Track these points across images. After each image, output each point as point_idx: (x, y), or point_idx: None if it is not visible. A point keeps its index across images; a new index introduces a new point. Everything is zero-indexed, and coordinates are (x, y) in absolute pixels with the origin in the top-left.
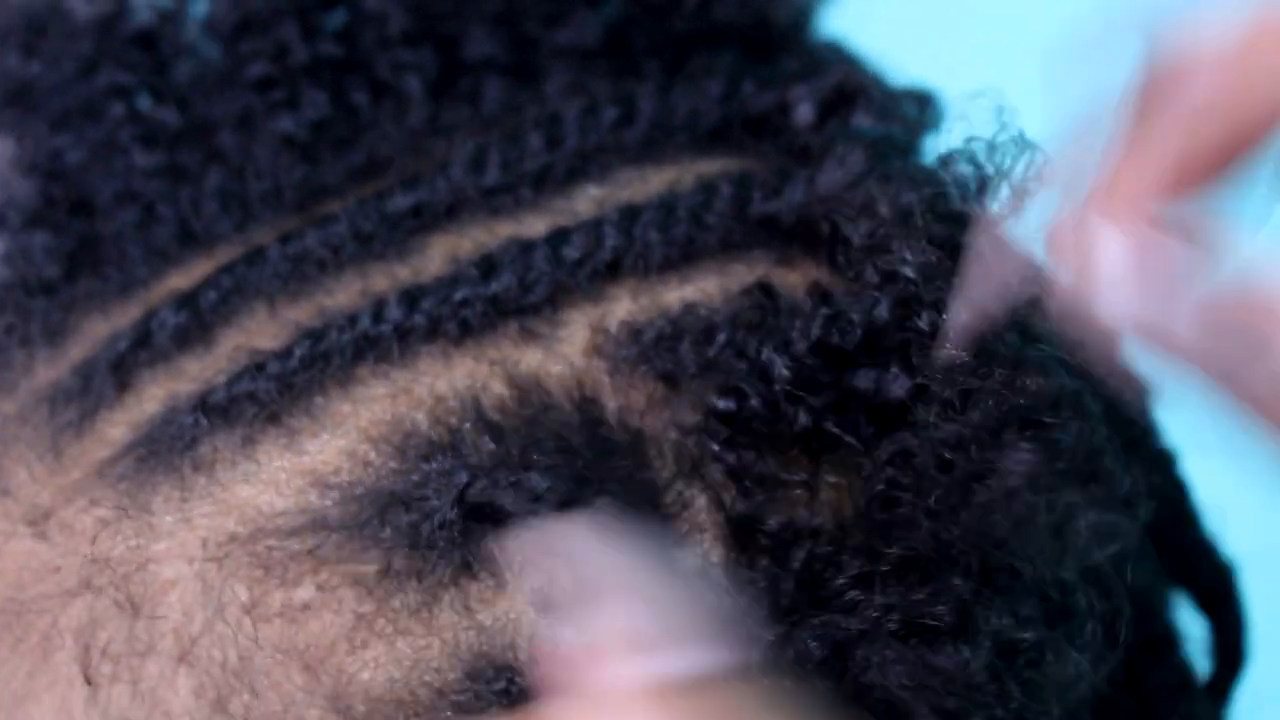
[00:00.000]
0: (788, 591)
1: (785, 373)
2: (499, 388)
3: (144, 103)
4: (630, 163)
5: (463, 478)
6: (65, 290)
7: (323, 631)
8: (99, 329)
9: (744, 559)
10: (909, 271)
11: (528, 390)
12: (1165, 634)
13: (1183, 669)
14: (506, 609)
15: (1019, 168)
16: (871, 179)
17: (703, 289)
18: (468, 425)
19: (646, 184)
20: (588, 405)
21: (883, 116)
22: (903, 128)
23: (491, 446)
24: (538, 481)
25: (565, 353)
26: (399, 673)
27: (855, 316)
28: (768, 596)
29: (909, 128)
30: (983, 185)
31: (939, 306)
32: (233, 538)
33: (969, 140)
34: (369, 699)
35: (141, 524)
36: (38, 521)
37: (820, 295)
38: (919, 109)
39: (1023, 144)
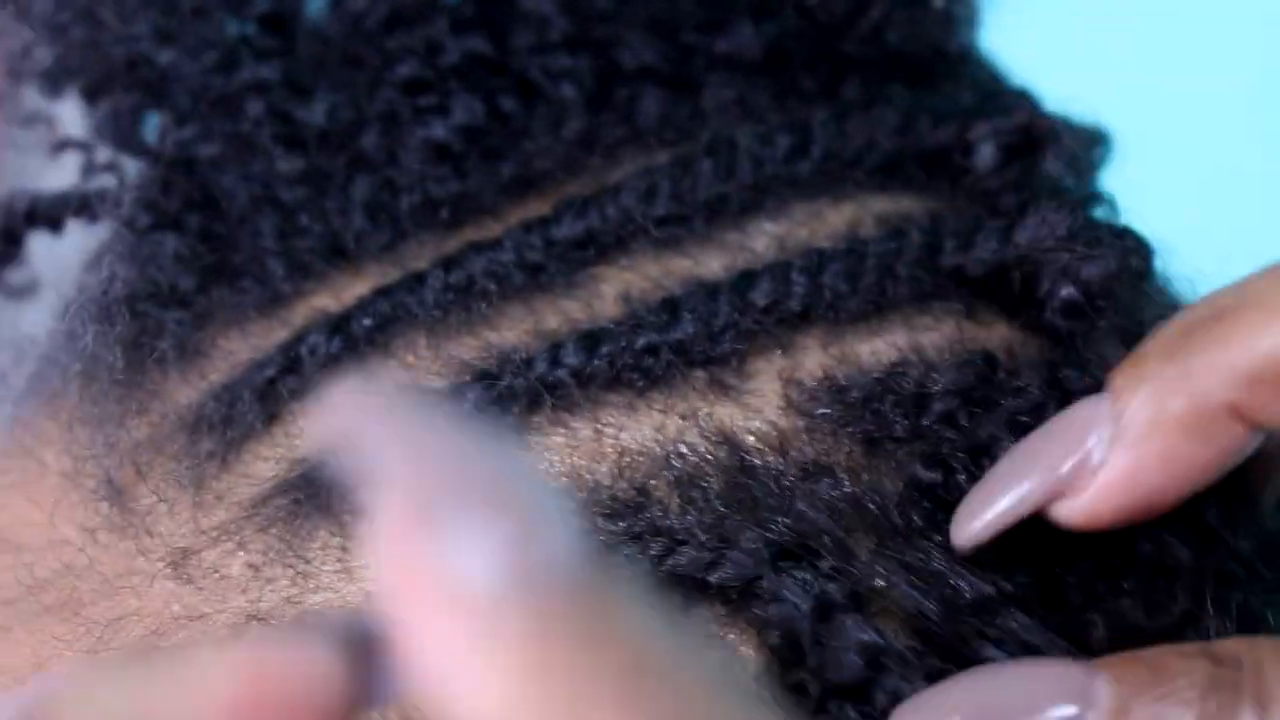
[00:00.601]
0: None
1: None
2: (697, 441)
3: (286, 99)
4: (805, 197)
5: (654, 550)
6: (200, 303)
7: None
8: (238, 349)
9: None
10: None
11: (730, 448)
12: None
13: None
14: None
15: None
16: (1078, 243)
17: (893, 342)
18: (656, 483)
19: (824, 222)
20: (794, 467)
21: (1074, 163)
22: (1090, 172)
23: (681, 505)
24: (741, 556)
25: (758, 407)
26: None
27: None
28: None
29: (1093, 174)
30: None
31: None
32: None
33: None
34: None
35: (297, 574)
36: (178, 563)
37: (1047, 371)
38: (1095, 147)
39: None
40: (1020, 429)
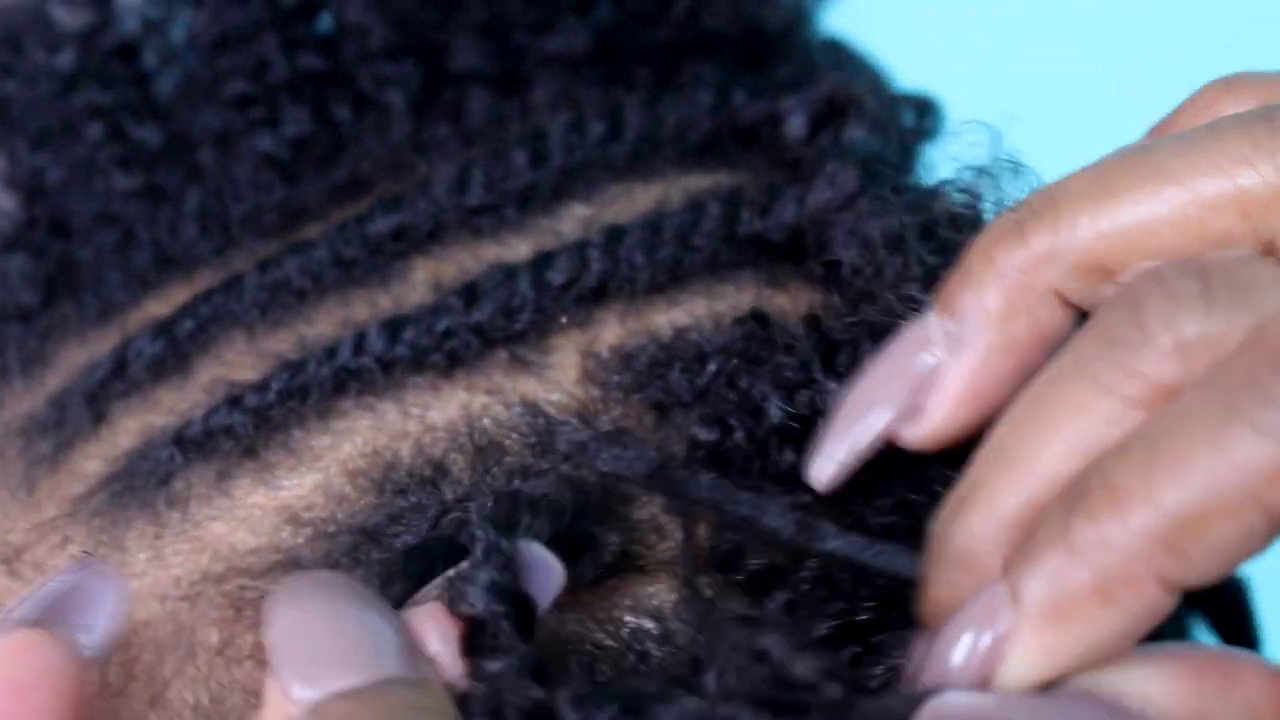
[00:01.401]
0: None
1: (779, 413)
2: (501, 414)
3: (124, 122)
4: (617, 179)
5: (432, 512)
6: (42, 317)
7: None
8: (76, 357)
9: (721, 598)
10: (895, 297)
11: (530, 420)
12: None
13: None
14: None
15: (1011, 194)
16: (863, 200)
17: (691, 311)
18: (454, 457)
19: (634, 201)
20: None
21: (877, 128)
22: (898, 140)
23: (470, 480)
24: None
25: (558, 380)
26: None
27: (849, 350)
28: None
29: (905, 138)
30: (974, 213)
31: None
32: (205, 576)
33: (964, 167)
34: None
35: (114, 562)
36: (10, 559)
37: (814, 327)
38: (917, 116)
39: (1016, 170)
40: (789, 385)
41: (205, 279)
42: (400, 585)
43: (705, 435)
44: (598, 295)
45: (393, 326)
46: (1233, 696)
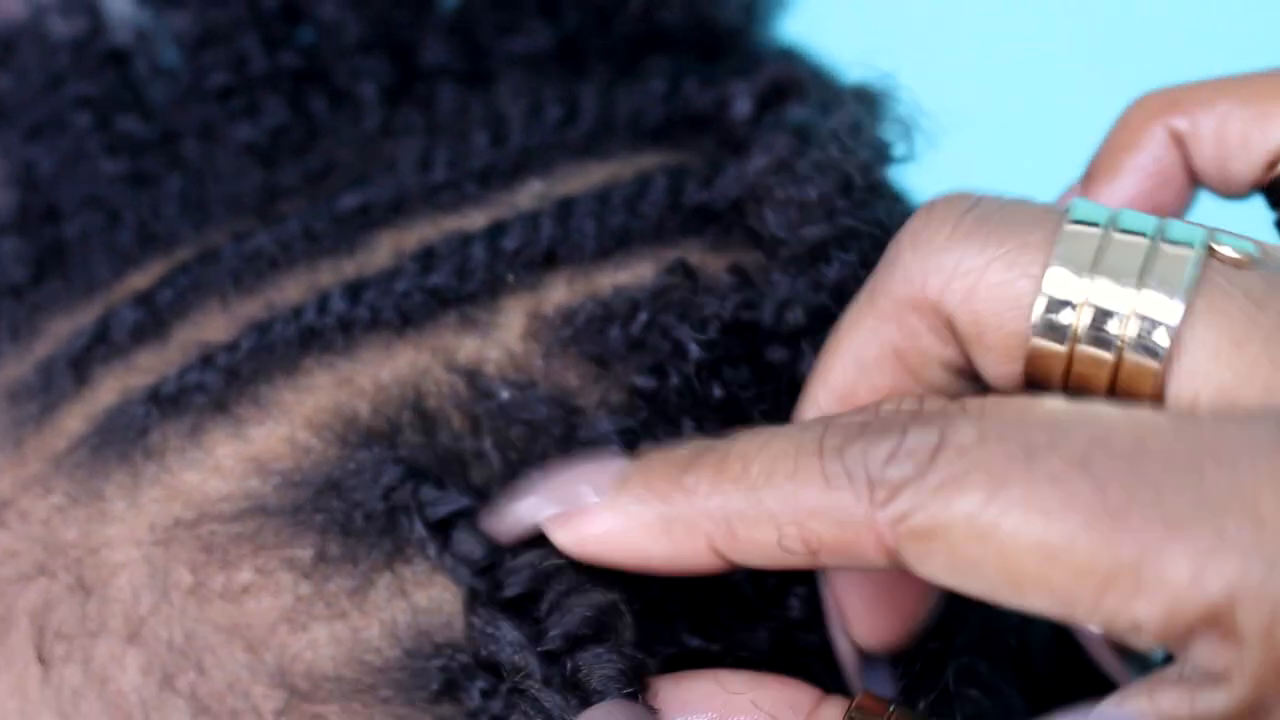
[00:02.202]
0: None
1: (698, 349)
2: (440, 374)
3: (112, 112)
4: (573, 158)
5: (391, 475)
6: (32, 293)
7: (263, 612)
8: (62, 327)
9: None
10: (819, 254)
11: (467, 376)
12: None
13: None
14: (441, 589)
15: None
16: (798, 163)
17: (637, 274)
18: (406, 414)
19: (588, 177)
20: (523, 387)
21: (821, 109)
22: (846, 125)
23: (424, 438)
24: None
25: (502, 339)
26: (340, 652)
27: (768, 294)
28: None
29: (849, 119)
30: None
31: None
32: (178, 522)
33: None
34: (312, 676)
35: (93, 510)
36: None
37: (738, 274)
38: (864, 106)
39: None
40: (708, 322)
41: (184, 255)
42: None
43: (644, 383)
44: (548, 260)
45: (354, 289)
46: None
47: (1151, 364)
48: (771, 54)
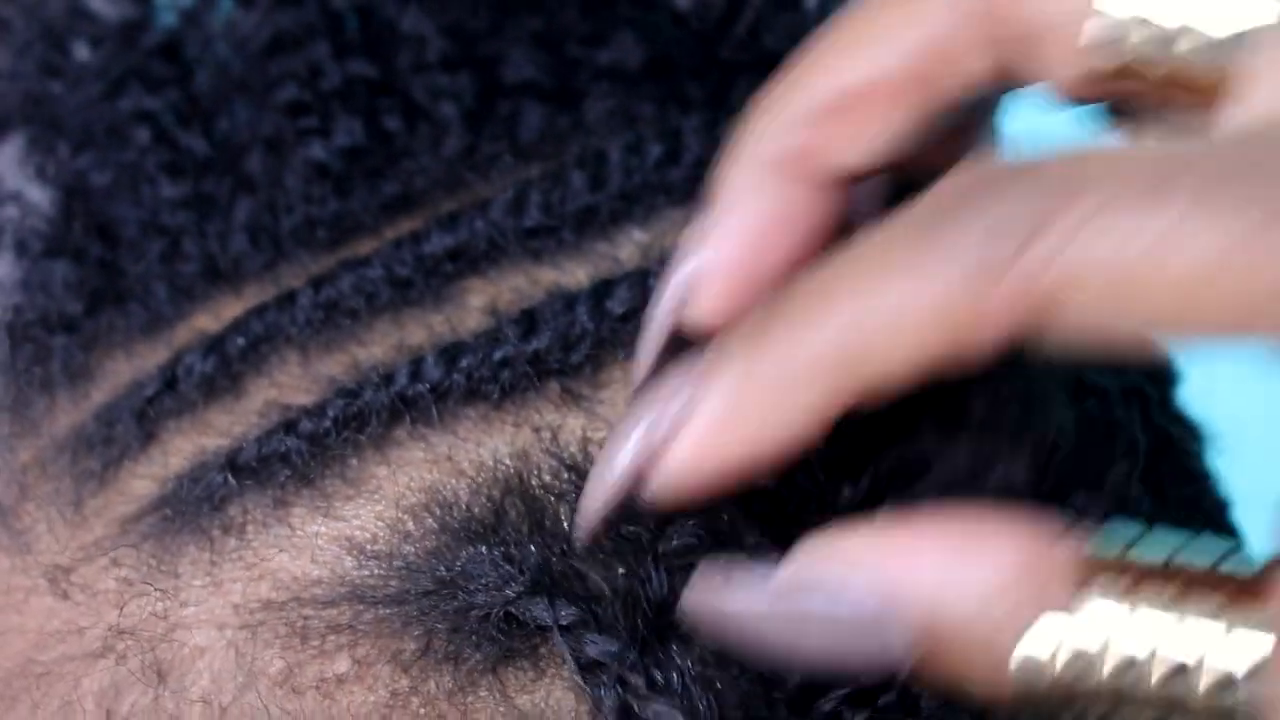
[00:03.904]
0: None
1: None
2: (542, 459)
3: (171, 127)
4: (675, 203)
5: (512, 588)
6: (87, 327)
7: (357, 707)
8: (122, 370)
9: None
10: None
11: (572, 465)
12: None
13: None
14: (545, 695)
15: None
16: None
17: None
18: (510, 501)
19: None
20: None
21: None
22: None
23: (534, 539)
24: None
25: (608, 417)
26: None
27: None
28: None
29: None
30: None
31: None
32: (267, 605)
33: None
34: None
35: (167, 588)
36: (58, 579)
37: None
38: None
39: None
40: None
41: (254, 293)
42: None
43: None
44: None
45: (450, 354)
46: (968, 569)
47: (1215, 76)
48: None
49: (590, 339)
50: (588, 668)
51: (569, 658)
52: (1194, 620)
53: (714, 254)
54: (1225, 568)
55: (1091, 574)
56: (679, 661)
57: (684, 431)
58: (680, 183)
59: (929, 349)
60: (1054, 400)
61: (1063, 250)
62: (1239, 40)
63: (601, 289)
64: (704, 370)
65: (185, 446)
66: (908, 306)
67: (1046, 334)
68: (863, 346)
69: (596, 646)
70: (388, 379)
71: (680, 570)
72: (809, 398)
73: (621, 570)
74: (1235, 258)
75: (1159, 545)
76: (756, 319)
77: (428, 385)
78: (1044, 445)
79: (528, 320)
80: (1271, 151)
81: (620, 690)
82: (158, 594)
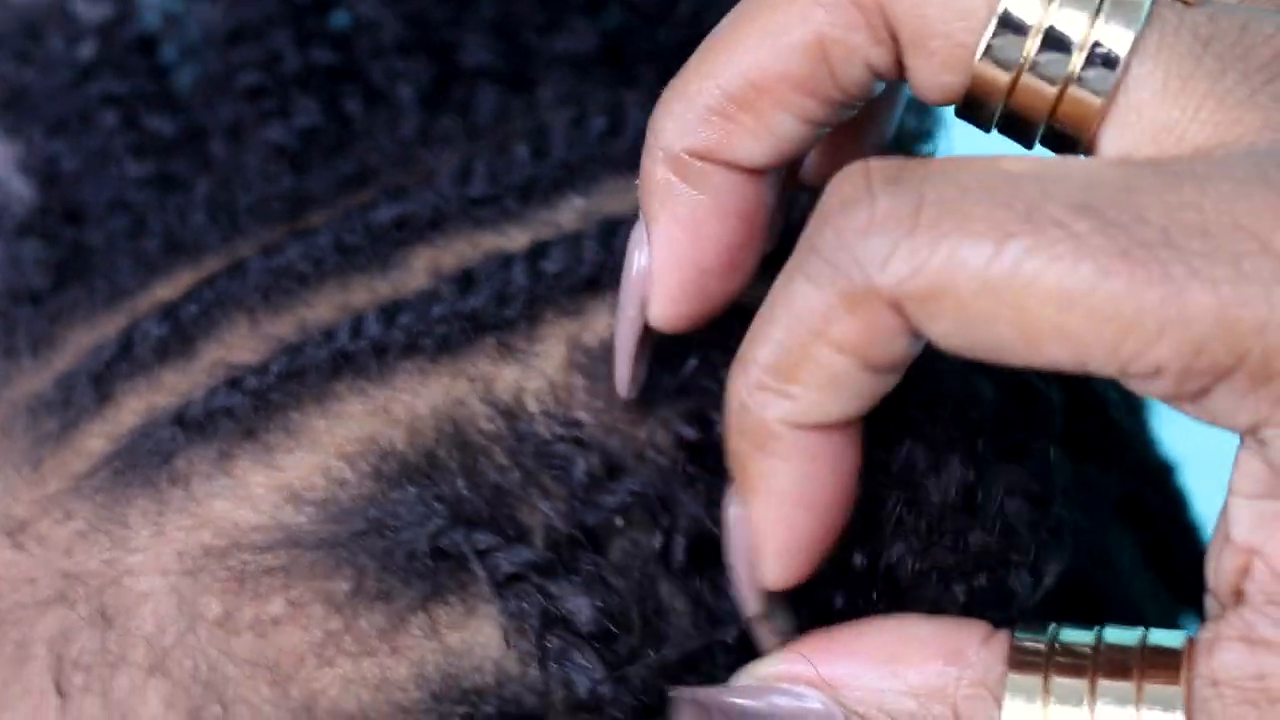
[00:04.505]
0: None
1: None
2: (477, 406)
3: (139, 111)
4: (617, 173)
5: (435, 523)
6: (52, 300)
7: (292, 646)
8: (84, 339)
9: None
10: None
11: (505, 410)
12: None
13: None
14: (474, 633)
15: None
16: None
17: None
18: (444, 448)
19: (631, 196)
20: (566, 424)
21: None
22: (895, 143)
23: (465, 476)
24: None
25: (543, 368)
26: (365, 690)
27: None
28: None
29: (904, 140)
30: None
31: None
32: (207, 551)
33: None
34: (336, 714)
35: (116, 536)
36: (14, 532)
37: None
38: (917, 118)
39: None
40: None
41: (211, 265)
42: None
43: (688, 433)
44: (590, 285)
45: (389, 312)
46: (898, 682)
47: (1094, 100)
48: None
49: (525, 295)
50: (505, 583)
51: (483, 573)
52: (1105, 709)
53: (658, 255)
54: (1149, 642)
55: (1015, 670)
56: (596, 563)
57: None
58: (622, 154)
59: (846, 355)
60: (974, 373)
61: (911, 278)
62: (1126, 65)
63: (538, 250)
64: None
65: (138, 405)
66: (810, 326)
67: (927, 330)
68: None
69: (511, 561)
70: (329, 336)
71: (600, 510)
72: None
73: (547, 508)
74: (1078, 298)
75: (1078, 634)
76: None
77: (367, 341)
78: (969, 423)
79: (466, 279)
80: (1130, 193)
81: (542, 599)
82: (106, 543)
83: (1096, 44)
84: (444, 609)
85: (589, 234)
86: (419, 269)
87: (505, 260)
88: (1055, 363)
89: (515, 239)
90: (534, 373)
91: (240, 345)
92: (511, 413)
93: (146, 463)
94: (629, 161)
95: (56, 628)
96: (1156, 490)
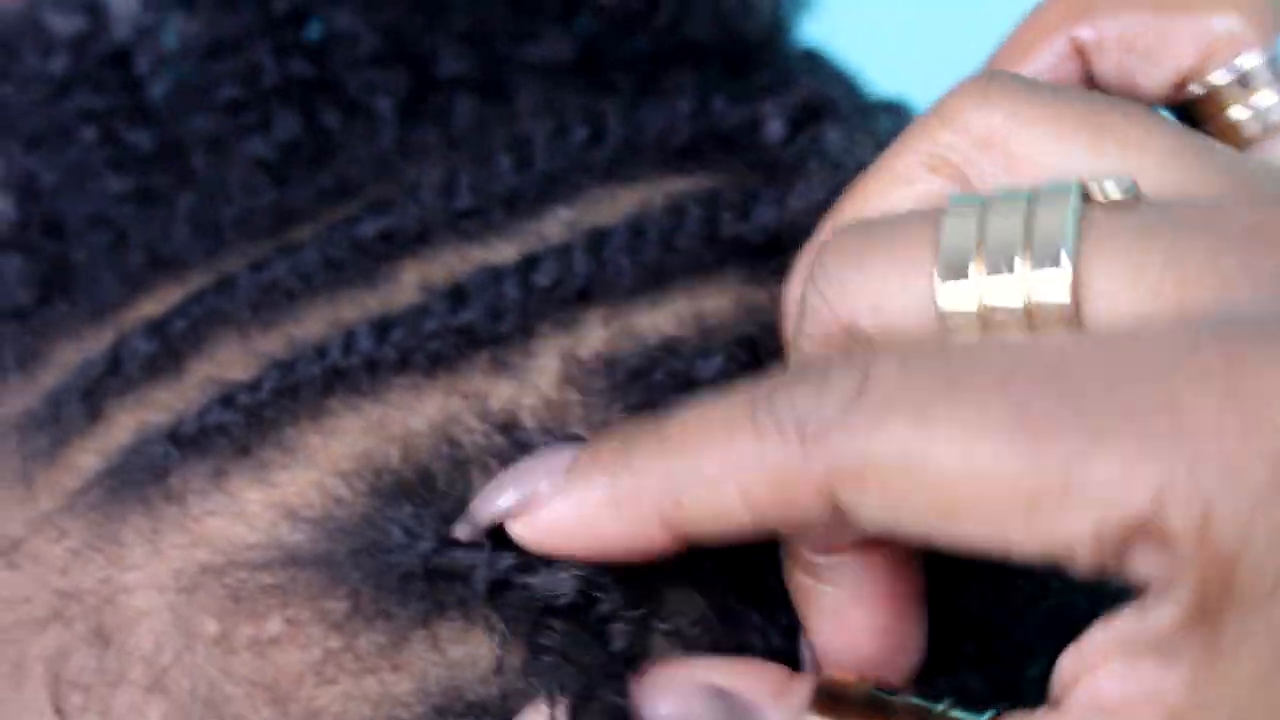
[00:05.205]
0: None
1: None
2: (472, 422)
3: (117, 125)
4: (600, 182)
5: (431, 541)
6: (37, 316)
7: (290, 665)
8: (71, 355)
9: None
10: None
11: (501, 426)
12: None
13: None
14: (476, 645)
15: None
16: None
17: (674, 312)
18: (439, 464)
19: (617, 204)
20: (562, 440)
21: (854, 130)
22: (874, 145)
23: (461, 492)
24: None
25: (537, 384)
26: (367, 707)
27: None
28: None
29: (880, 144)
30: None
31: None
32: (204, 569)
33: None
34: None
35: (111, 554)
36: (8, 551)
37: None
38: (892, 121)
39: None
40: None
41: (197, 280)
42: None
43: None
44: (582, 297)
45: (381, 327)
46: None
47: (1058, 313)
48: (798, 63)
49: (518, 309)
50: (496, 588)
51: (475, 578)
52: None
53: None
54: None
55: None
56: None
57: (533, 511)
58: (604, 163)
59: (746, 506)
60: None
61: (840, 454)
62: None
63: (529, 263)
64: (569, 463)
65: (129, 422)
66: (718, 472)
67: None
68: (687, 494)
69: (496, 567)
70: (321, 352)
71: None
72: (638, 524)
73: None
74: (983, 473)
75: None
76: (627, 435)
77: (360, 356)
78: None
79: (457, 293)
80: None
81: (527, 594)
82: (102, 561)
83: (1036, 290)
84: (446, 625)
85: (577, 245)
86: (408, 283)
87: (496, 274)
88: (978, 540)
89: (502, 251)
90: (529, 388)
91: (230, 361)
92: (507, 428)
93: (140, 480)
94: (611, 170)
95: (53, 646)
96: None
